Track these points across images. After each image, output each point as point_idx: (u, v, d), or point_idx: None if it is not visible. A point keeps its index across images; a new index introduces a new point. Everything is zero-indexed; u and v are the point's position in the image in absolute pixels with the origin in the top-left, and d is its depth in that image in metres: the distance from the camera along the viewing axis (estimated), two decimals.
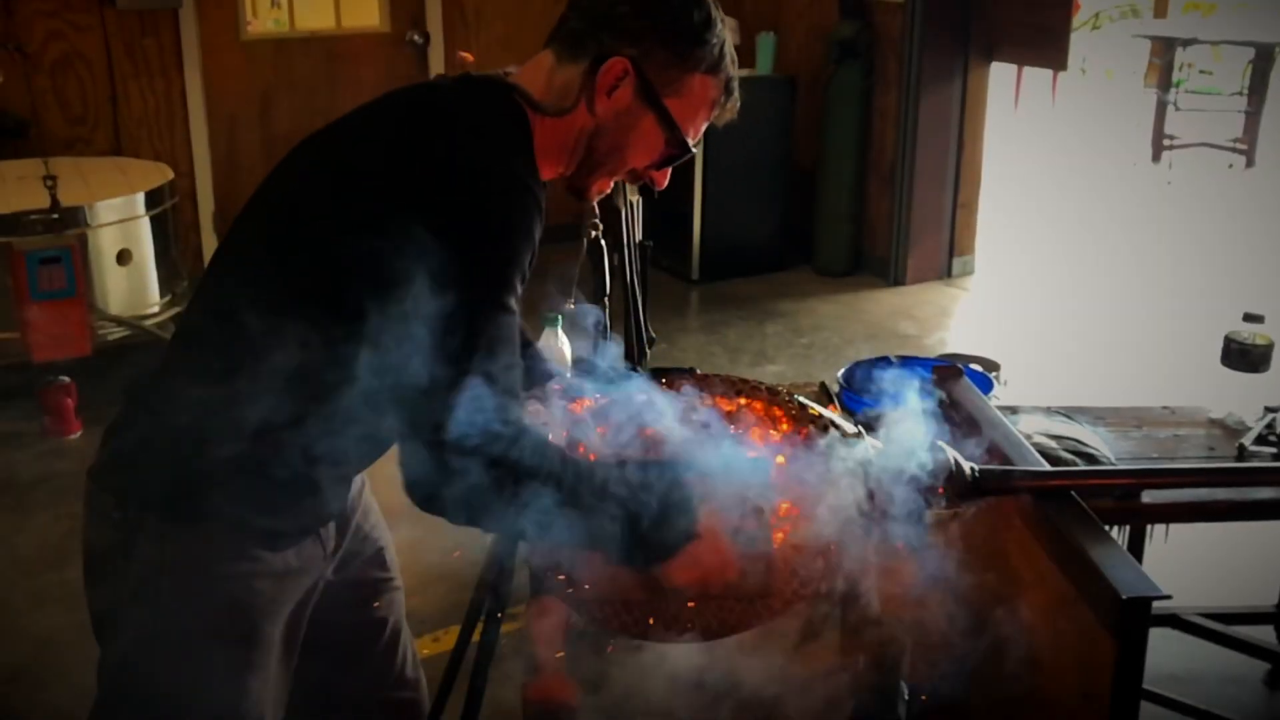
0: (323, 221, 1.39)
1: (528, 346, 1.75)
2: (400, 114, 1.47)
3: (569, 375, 1.80)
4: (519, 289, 1.38)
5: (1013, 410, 2.55)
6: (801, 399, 1.62)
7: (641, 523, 1.39)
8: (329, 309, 1.37)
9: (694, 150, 1.58)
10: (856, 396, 2.59)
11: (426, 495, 1.34)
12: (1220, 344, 2.78)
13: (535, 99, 1.50)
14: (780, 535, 1.47)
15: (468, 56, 1.78)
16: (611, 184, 1.63)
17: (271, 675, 1.54)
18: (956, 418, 1.83)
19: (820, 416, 1.58)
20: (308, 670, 1.63)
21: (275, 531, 1.49)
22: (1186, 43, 8.74)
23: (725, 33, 1.55)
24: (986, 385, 2.75)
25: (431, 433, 1.29)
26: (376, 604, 1.79)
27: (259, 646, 1.51)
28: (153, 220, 4.66)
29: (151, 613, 1.46)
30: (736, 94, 1.58)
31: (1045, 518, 1.53)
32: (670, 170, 1.61)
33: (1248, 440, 2.53)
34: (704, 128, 1.58)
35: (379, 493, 1.81)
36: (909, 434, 1.51)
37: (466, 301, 1.32)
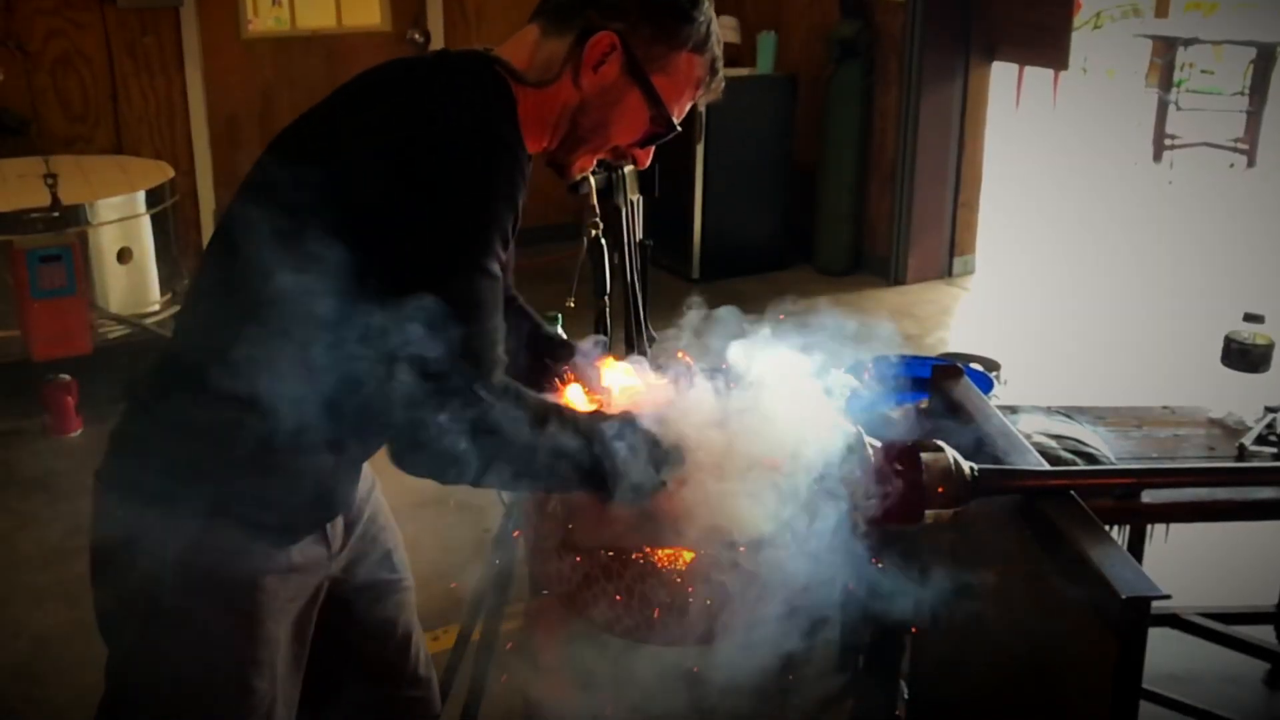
0: (314, 200, 1.38)
1: (513, 302, 1.75)
2: (379, 86, 1.46)
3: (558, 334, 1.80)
4: (500, 253, 1.37)
5: (1013, 410, 2.56)
6: None
7: (627, 458, 1.40)
8: (326, 288, 1.36)
9: (678, 128, 1.57)
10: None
11: (413, 459, 1.34)
12: (1220, 344, 2.78)
13: (518, 70, 1.49)
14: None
15: None
16: (594, 162, 1.62)
17: (280, 674, 1.54)
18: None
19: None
20: (321, 671, 1.63)
21: (280, 527, 1.49)
22: (1188, 42, 8.73)
23: (711, 11, 1.55)
24: (987, 385, 2.76)
25: (414, 399, 1.29)
26: (387, 605, 1.79)
27: (264, 644, 1.51)
28: (153, 218, 4.66)
29: (156, 611, 1.46)
30: (721, 74, 1.58)
31: (1045, 517, 1.53)
32: (653, 149, 1.60)
33: (1248, 440, 2.53)
34: (689, 107, 1.58)
35: (385, 493, 1.81)
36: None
37: (444, 265, 1.32)
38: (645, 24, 1.49)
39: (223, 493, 1.43)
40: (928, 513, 1.51)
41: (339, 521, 1.62)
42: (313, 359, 1.38)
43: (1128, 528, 2.61)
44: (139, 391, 1.53)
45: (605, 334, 2.32)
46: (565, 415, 1.42)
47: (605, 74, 1.50)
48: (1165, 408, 2.78)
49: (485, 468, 1.34)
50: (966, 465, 1.53)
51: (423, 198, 1.33)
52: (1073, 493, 1.58)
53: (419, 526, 3.19)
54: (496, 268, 1.36)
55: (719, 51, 1.56)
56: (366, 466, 1.68)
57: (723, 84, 1.59)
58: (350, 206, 1.35)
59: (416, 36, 5.91)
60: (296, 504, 1.49)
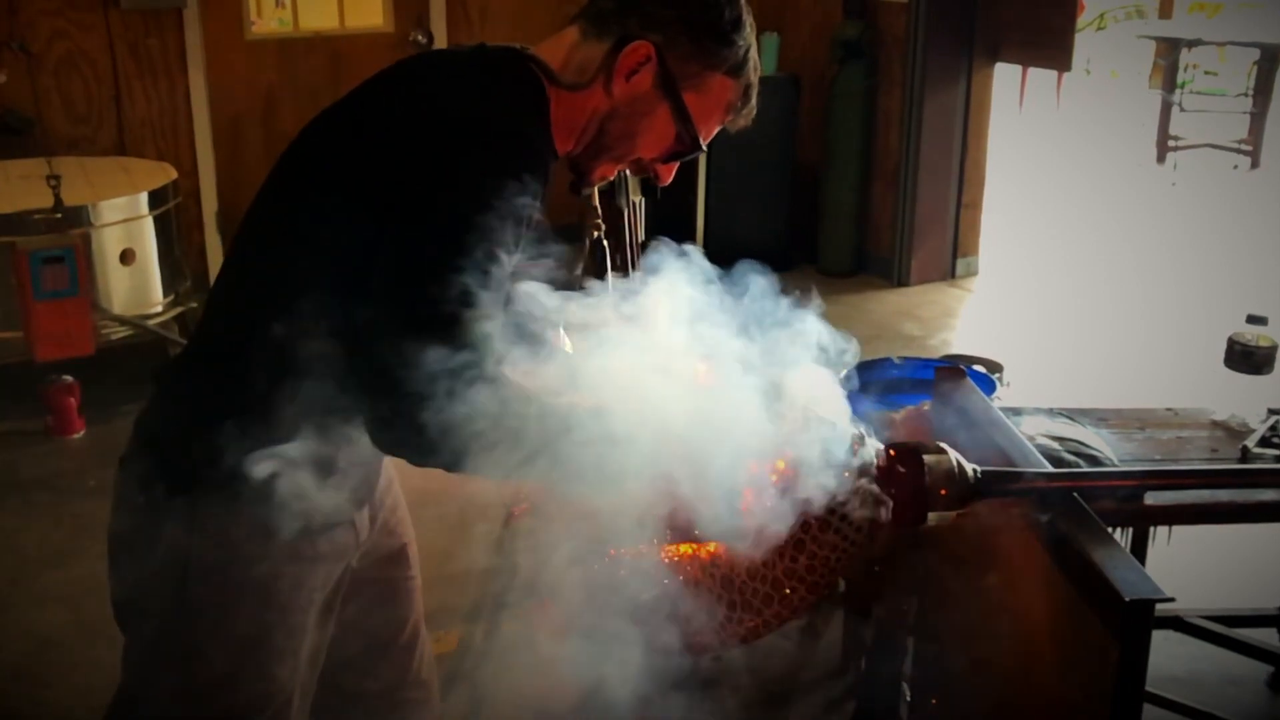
0: (344, 186, 1.39)
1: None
2: (414, 74, 1.48)
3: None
4: (510, 243, 1.36)
5: (1016, 411, 2.55)
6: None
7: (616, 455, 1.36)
8: (349, 274, 1.36)
9: (703, 149, 1.57)
10: (859, 397, 2.59)
11: (390, 439, 1.33)
12: (1224, 345, 2.78)
13: (552, 71, 1.49)
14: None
15: None
16: (615, 171, 1.62)
17: (301, 664, 1.54)
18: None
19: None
20: (327, 666, 1.63)
21: (307, 515, 1.47)
22: (1191, 43, 8.72)
23: (752, 38, 1.55)
24: (989, 386, 2.75)
25: (406, 381, 1.27)
26: (398, 602, 1.79)
27: (286, 632, 1.51)
28: (156, 220, 4.66)
29: (177, 598, 1.46)
30: (754, 102, 1.58)
31: (1048, 520, 1.53)
32: (676, 167, 1.60)
33: (1251, 442, 2.53)
34: (716, 130, 1.58)
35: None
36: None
37: (449, 251, 1.31)
38: (683, 40, 1.50)
39: (249, 480, 1.42)
40: (930, 515, 1.51)
41: (365, 511, 1.62)
42: (334, 344, 1.37)
43: (1130, 530, 2.61)
44: (165, 378, 1.54)
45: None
46: (552, 406, 1.39)
47: (637, 84, 1.50)
48: (1168, 409, 2.77)
49: (466, 454, 1.31)
50: (969, 467, 1.53)
51: (436, 182, 1.33)
52: (1075, 495, 1.58)
53: (420, 528, 3.18)
54: (503, 257, 1.36)
55: (755, 79, 1.56)
56: (386, 460, 1.67)
57: (754, 112, 1.59)
58: (373, 191, 1.35)
59: (420, 38, 5.91)
60: (325, 492, 1.48)
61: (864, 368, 2.80)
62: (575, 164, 1.58)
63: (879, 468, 1.50)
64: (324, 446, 1.44)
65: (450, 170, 1.34)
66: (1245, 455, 2.50)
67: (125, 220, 4.56)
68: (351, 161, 1.40)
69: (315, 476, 1.45)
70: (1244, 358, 2.72)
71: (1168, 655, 2.87)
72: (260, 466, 1.41)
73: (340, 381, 1.36)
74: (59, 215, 4.27)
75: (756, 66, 1.56)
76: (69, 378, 4.25)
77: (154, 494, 1.46)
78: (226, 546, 1.45)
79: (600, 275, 2.28)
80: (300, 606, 1.51)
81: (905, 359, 2.86)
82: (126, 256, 4.55)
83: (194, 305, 4.78)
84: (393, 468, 1.75)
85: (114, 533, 1.53)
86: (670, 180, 1.62)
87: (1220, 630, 2.88)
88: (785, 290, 1.58)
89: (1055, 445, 2.34)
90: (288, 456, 1.42)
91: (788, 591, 1.51)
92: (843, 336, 1.57)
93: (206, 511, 1.44)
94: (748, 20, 1.54)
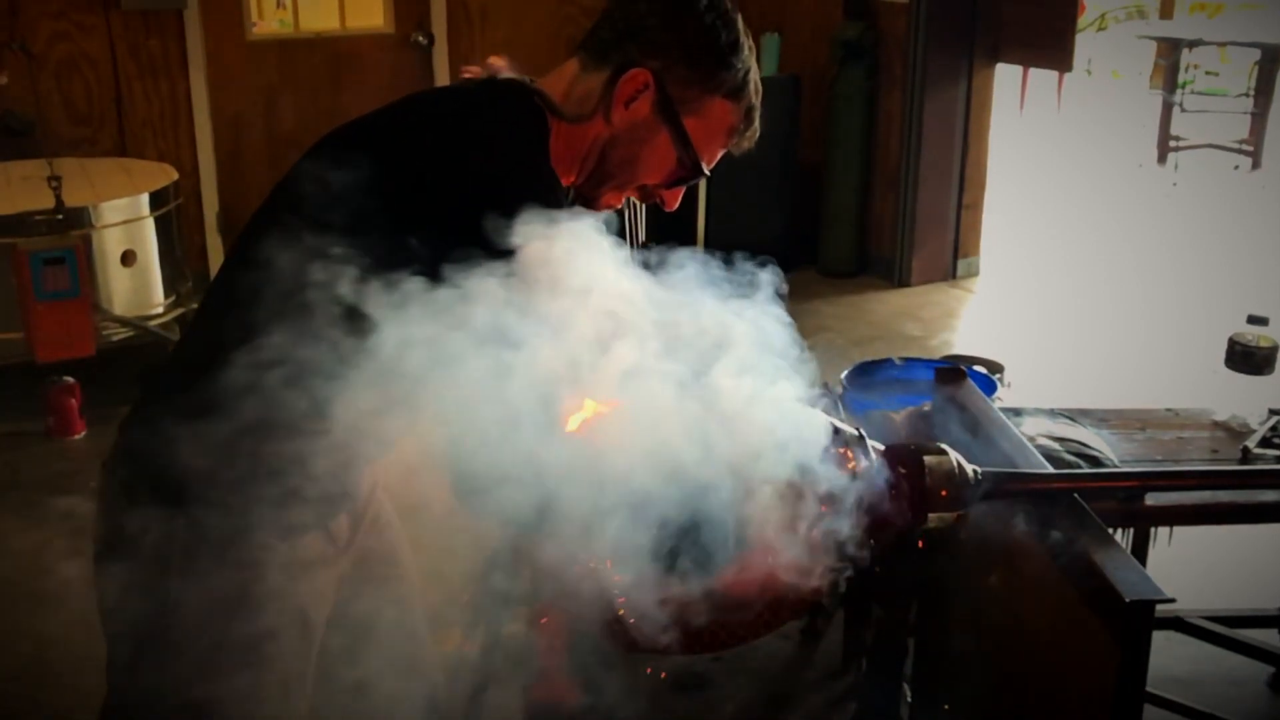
0: (346, 213, 1.38)
1: None
2: (428, 112, 1.47)
3: None
4: None
5: (1016, 412, 2.55)
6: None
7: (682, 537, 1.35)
8: (341, 295, 1.36)
9: (706, 173, 1.58)
10: (860, 398, 2.59)
11: (471, 499, 1.32)
12: (1224, 346, 2.78)
13: (555, 104, 1.50)
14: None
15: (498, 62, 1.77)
16: (622, 200, 1.62)
17: (291, 670, 1.53)
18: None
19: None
20: (325, 667, 1.63)
21: (283, 522, 1.48)
22: (1192, 44, 8.71)
23: (752, 60, 1.55)
24: (990, 387, 2.75)
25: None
26: (395, 602, 1.78)
27: (273, 639, 1.50)
28: (157, 221, 4.67)
29: (158, 603, 1.45)
30: (756, 124, 1.58)
31: (1048, 520, 1.53)
32: (681, 192, 1.61)
33: (1252, 443, 2.53)
34: (720, 154, 1.58)
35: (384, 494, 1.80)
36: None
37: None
38: (682, 65, 1.50)
39: (229, 486, 1.42)
40: (931, 516, 1.50)
41: (344, 518, 1.62)
42: (325, 369, 1.37)
43: (1131, 531, 2.61)
44: (152, 381, 1.54)
45: None
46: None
47: (636, 111, 1.51)
48: (1169, 410, 2.77)
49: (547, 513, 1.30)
50: (970, 468, 1.53)
51: (467, 235, 1.31)
52: (1076, 495, 1.58)
53: (419, 529, 3.17)
54: None
55: (756, 101, 1.56)
56: (370, 466, 1.67)
57: (757, 134, 1.59)
58: (392, 229, 1.34)
59: (420, 39, 5.91)
60: (304, 499, 1.48)
61: (864, 368, 2.80)
62: (579, 193, 1.59)
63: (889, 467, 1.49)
64: (304, 453, 1.44)
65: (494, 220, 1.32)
66: (1246, 456, 2.50)
67: (126, 221, 4.57)
68: (371, 194, 1.38)
69: (295, 484, 1.45)
70: (1244, 358, 2.72)
71: (1169, 656, 2.86)
72: (240, 474, 1.41)
73: (325, 395, 1.37)
74: (60, 216, 4.28)
75: (758, 89, 1.57)
76: (70, 379, 4.25)
77: (136, 501, 1.46)
78: (205, 553, 1.44)
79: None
80: (279, 611, 1.51)
81: (906, 359, 2.86)
82: (127, 258, 4.55)
83: (195, 306, 4.79)
84: (375, 472, 1.74)
85: (97, 537, 1.53)
86: (676, 206, 1.63)
87: (1221, 631, 2.87)
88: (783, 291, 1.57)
89: (1056, 446, 2.34)
90: (267, 464, 1.42)
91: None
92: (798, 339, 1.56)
93: (186, 517, 1.44)
94: (746, 43, 1.54)
